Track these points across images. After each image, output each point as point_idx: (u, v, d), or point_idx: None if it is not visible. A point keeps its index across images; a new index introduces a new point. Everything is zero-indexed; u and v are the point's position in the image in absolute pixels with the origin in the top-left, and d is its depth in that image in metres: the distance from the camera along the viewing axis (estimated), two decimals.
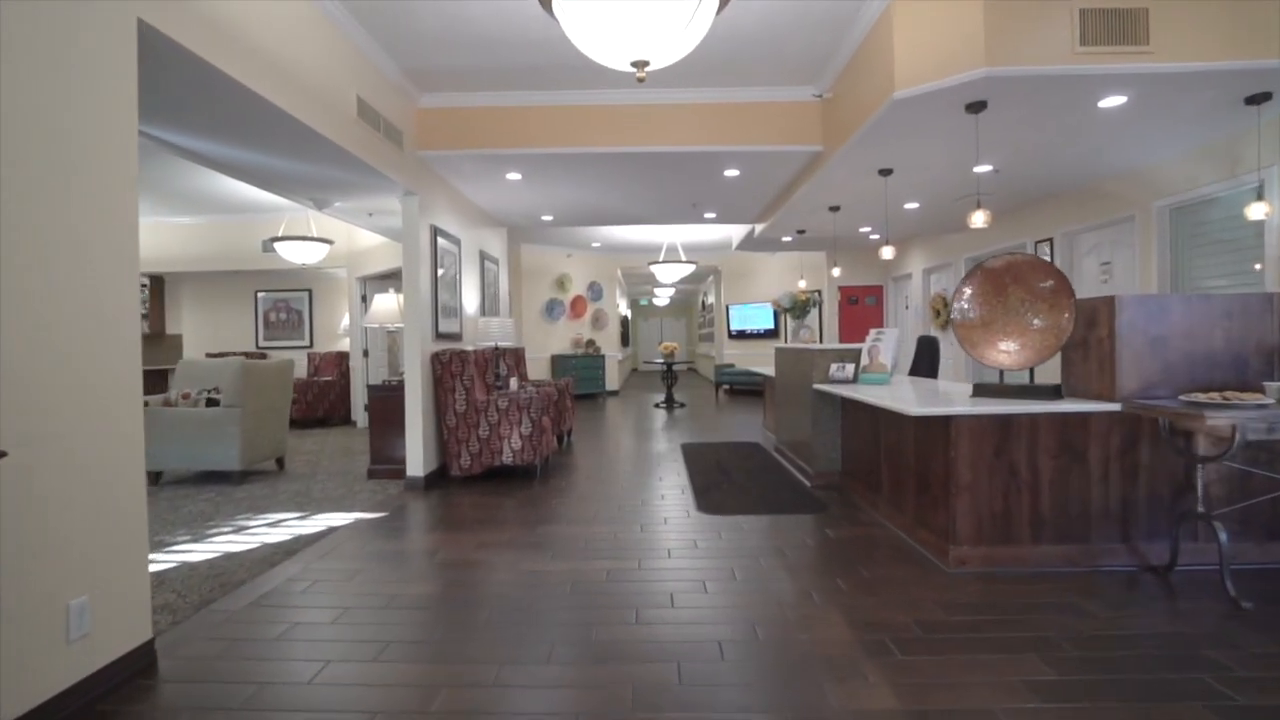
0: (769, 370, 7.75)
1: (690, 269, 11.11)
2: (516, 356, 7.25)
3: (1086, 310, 3.41)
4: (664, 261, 10.80)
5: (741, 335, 13.82)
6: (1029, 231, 7.04)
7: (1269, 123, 4.31)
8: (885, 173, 5.48)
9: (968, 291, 3.74)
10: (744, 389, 13.49)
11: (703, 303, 19.98)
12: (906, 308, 10.63)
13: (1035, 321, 3.53)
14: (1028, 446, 3.29)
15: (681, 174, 6.05)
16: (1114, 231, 5.91)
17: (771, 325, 13.23)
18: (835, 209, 6.76)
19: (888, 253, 6.69)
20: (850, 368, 4.91)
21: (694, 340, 22.86)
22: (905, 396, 3.80)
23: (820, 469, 5.08)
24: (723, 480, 5.27)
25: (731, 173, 5.94)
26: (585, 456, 6.52)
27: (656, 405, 11.37)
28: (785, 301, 6.30)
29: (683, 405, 11.29)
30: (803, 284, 6.35)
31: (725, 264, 13.94)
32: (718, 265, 14.09)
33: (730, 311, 13.95)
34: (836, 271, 8.42)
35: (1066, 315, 3.42)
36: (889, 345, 4.86)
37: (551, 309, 12.52)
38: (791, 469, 5.63)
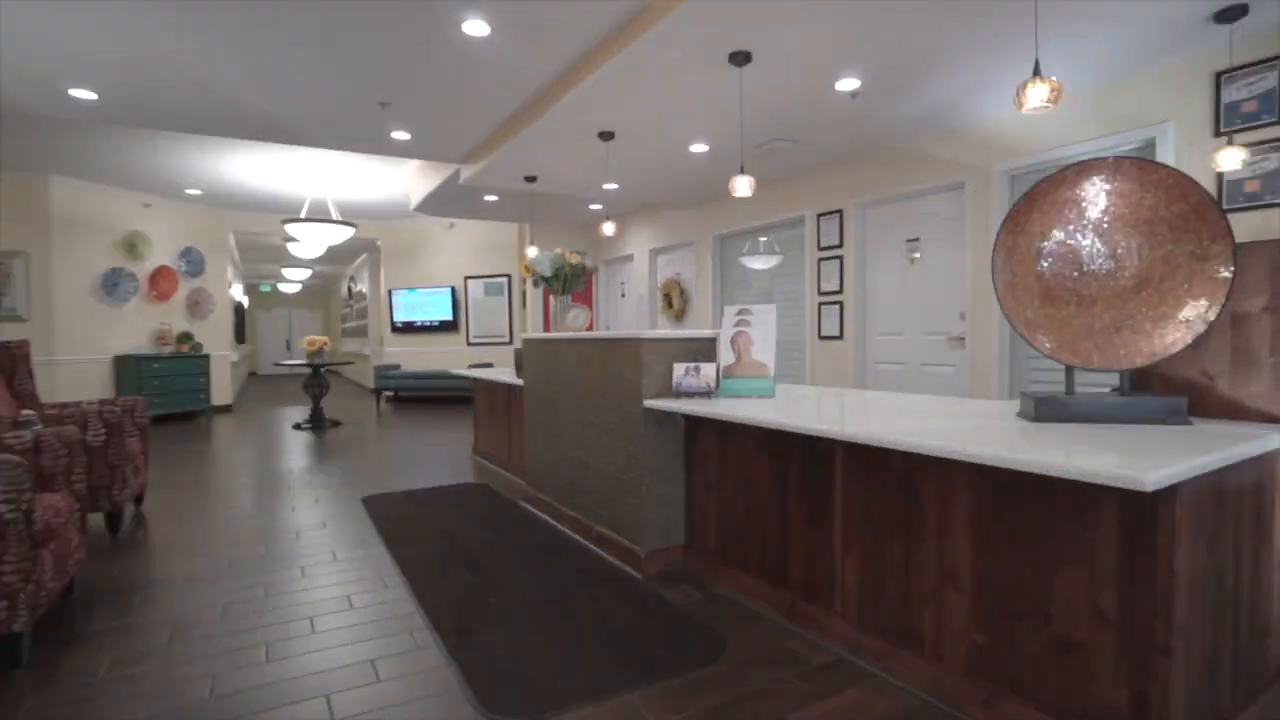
0: (491, 373, 5.28)
1: (347, 233, 7.88)
2: (12, 357, 3.54)
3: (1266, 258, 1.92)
4: (310, 219, 7.39)
5: (410, 328, 10.87)
6: (805, 200, 5.97)
7: (1172, 69, 3.60)
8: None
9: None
10: (415, 396, 10.59)
11: (349, 289, 16.07)
12: (623, 295, 9.16)
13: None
14: (1248, 524, 1.65)
15: (378, 29, 3.28)
16: (933, 201, 5.02)
17: (450, 315, 10.60)
18: (607, 137, 4.67)
19: (608, 229, 4.94)
20: (708, 372, 2.86)
21: (336, 336, 18.57)
22: (929, 428, 1.89)
23: (654, 544, 2.92)
24: (478, 588, 2.73)
25: (476, 28, 3.38)
26: (163, 558, 3.23)
27: (298, 426, 7.83)
28: (544, 266, 4.02)
29: (338, 424, 7.98)
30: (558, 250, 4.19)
31: (388, 238, 10.80)
32: (377, 239, 10.86)
33: (394, 299, 10.87)
34: (532, 251, 6.31)
35: (1220, 268, 1.88)
36: (765, 333, 2.95)
37: (114, 284, 7.83)
38: (583, 539, 3.35)
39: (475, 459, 5.59)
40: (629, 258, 8.81)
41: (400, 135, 5.10)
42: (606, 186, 6.31)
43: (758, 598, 2.55)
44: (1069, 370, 2.08)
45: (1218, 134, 3.44)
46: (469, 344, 10.61)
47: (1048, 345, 2.05)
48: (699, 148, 5.00)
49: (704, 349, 3.04)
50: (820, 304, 5.76)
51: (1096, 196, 1.96)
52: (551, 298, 4.19)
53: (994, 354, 4.42)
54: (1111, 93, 3.83)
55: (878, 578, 2.11)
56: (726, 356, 2.94)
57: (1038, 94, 2.17)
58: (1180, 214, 1.94)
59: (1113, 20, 3.16)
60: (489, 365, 10.07)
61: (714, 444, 2.82)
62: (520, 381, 4.30)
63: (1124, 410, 1.95)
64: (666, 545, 2.94)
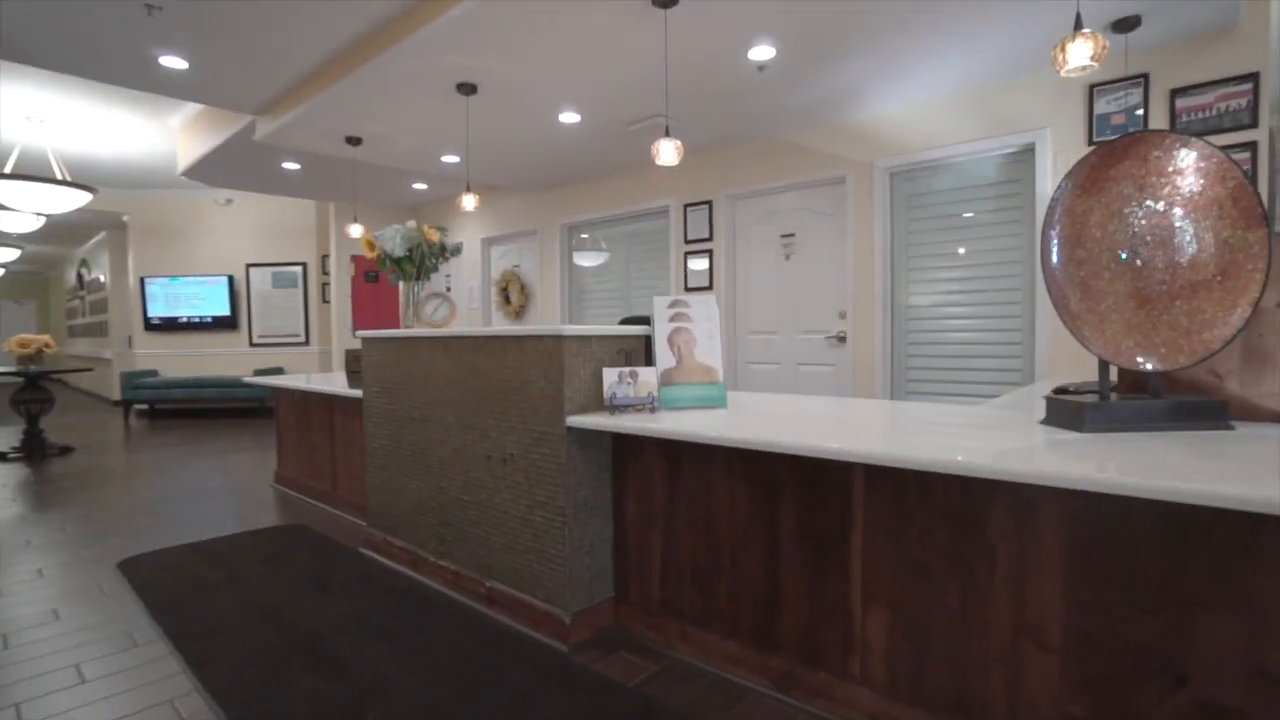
0: (304, 381, 4.16)
1: (79, 200, 5.98)
2: None
3: None
4: (22, 177, 5.43)
5: (171, 325, 8.78)
6: (671, 190, 5.59)
7: (1051, 77, 3.69)
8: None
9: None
10: (180, 409, 8.60)
11: (80, 276, 12.81)
12: (448, 289, 8.14)
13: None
14: None
15: None
16: (811, 196, 4.86)
17: (227, 310, 8.73)
18: (468, 90, 3.82)
19: (469, 203, 4.24)
20: (648, 379, 2.26)
21: (61, 335, 14.76)
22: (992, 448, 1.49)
23: (582, 603, 2.26)
24: (346, 703, 1.86)
25: None
26: None
27: (5, 455, 5.77)
28: (393, 243, 3.09)
29: (68, 450, 6.04)
30: (411, 224, 3.27)
31: (140, 211, 8.64)
32: (123, 213, 8.63)
33: (149, 289, 8.72)
34: (356, 230, 5.27)
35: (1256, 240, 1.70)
36: (709, 328, 2.43)
37: None
38: (468, 599, 2.56)
39: (279, 490, 4.39)
40: (456, 246, 7.82)
41: (174, 63, 3.79)
42: (446, 159, 5.39)
43: (732, 664, 2.01)
44: (1105, 371, 1.82)
45: (1090, 144, 3.59)
46: (253, 344, 8.81)
47: (1107, 340, 1.75)
48: (570, 117, 4.35)
49: (633, 349, 2.44)
50: None
51: (1185, 168, 1.70)
52: (401, 285, 3.28)
53: (877, 353, 4.36)
54: (994, 96, 3.89)
55: (919, 634, 1.67)
56: (664, 359, 2.37)
57: (1080, 52, 1.89)
58: (1217, 199, 1.76)
59: (1006, 24, 3.13)
60: (279, 370, 8.45)
61: (659, 469, 2.23)
62: (356, 392, 3.34)
63: (1168, 415, 1.72)
64: (593, 603, 2.29)
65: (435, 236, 3.20)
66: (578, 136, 4.75)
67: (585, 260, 6.45)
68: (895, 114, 4.26)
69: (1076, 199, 1.77)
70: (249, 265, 8.78)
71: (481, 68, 3.54)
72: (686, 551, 2.16)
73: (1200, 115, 3.31)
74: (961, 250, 4.11)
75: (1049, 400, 1.88)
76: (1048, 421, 1.85)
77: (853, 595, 1.79)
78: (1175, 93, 3.35)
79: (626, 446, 2.32)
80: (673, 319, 2.46)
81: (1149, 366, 1.73)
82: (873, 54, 3.45)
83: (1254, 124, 3.19)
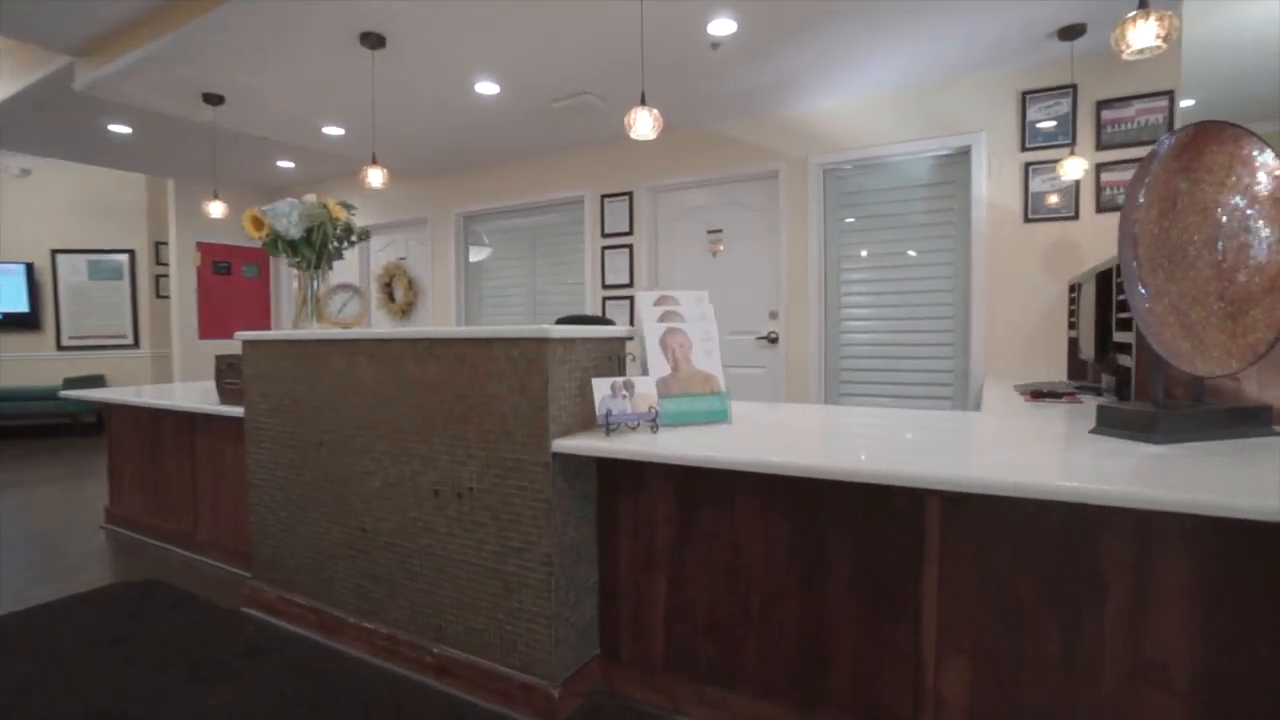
0: (154, 394, 3.32)
1: None
2: None
3: None
4: None
5: None
6: (588, 179, 5.19)
7: (987, 81, 3.70)
8: None
9: None
10: None
11: None
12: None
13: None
14: None
15: None
16: (740, 190, 4.64)
17: (25, 306, 7.15)
18: (375, 43, 3.19)
19: (375, 178, 3.64)
20: (645, 390, 1.88)
21: None
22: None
23: (569, 668, 1.83)
24: None
25: None
26: None
27: None
28: (289, 221, 2.44)
29: None
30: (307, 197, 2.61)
31: None
32: None
33: None
34: (217, 209, 4.42)
35: None
36: (706, 329, 2.09)
37: None
38: (407, 670, 2.03)
39: (114, 533, 3.49)
40: (364, 230, 6.90)
41: None
42: (329, 131, 4.62)
43: None
44: (1158, 373, 1.68)
45: (1023, 149, 3.65)
46: (62, 348, 7.27)
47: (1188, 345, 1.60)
48: (488, 88, 3.82)
49: (622, 355, 2.04)
50: (605, 299, 5.03)
51: (1265, 165, 1.57)
52: (296, 274, 2.63)
53: (811, 355, 4.23)
54: (931, 97, 3.87)
55: (1008, 684, 1.43)
56: (658, 366, 1.99)
57: (1145, 32, 1.74)
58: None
59: (949, 25, 3.10)
60: (99, 380, 7.07)
61: (664, 501, 1.85)
62: (233, 410, 2.64)
63: (1225, 422, 1.61)
64: (580, 665, 1.87)
65: (342, 215, 2.60)
66: (494, 111, 4.21)
67: (481, 254, 5.90)
68: (832, 109, 4.15)
69: (1174, 175, 1.59)
70: (55, 251, 7.24)
71: (395, 13, 2.96)
72: (702, 598, 1.80)
73: (1122, 127, 3.45)
74: (897, 250, 4.07)
75: (1102, 408, 1.72)
76: (1103, 430, 1.68)
77: (925, 642, 1.53)
78: (1101, 104, 3.47)
79: (618, 474, 1.92)
80: (662, 318, 2.09)
81: (1202, 371, 1.61)
82: (825, 39, 3.27)
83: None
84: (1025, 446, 1.53)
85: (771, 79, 3.76)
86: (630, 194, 4.88)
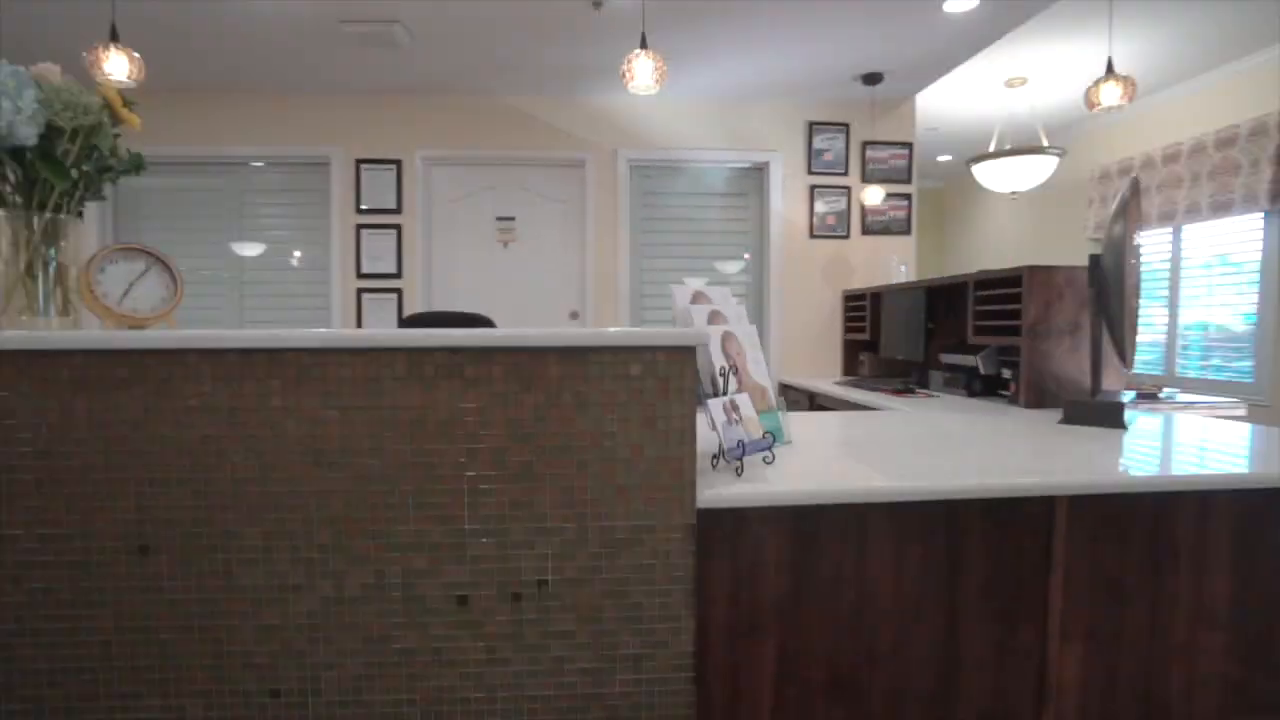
0: None
1: None
2: None
3: None
4: None
5: None
6: (339, 134, 4.06)
7: (782, 107, 3.99)
8: None
9: None
10: None
11: None
12: None
13: None
14: None
15: None
16: (538, 176, 4.15)
17: None
18: None
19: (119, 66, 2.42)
20: (748, 412, 1.52)
21: None
22: None
23: None
24: None
25: None
26: None
27: None
28: (17, 112, 1.20)
29: None
30: None
31: None
32: None
33: None
34: None
35: None
36: (747, 333, 1.80)
37: None
38: None
39: None
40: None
41: None
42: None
43: None
44: (1098, 374, 2.02)
45: (810, 173, 4.10)
46: None
47: None
48: None
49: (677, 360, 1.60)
50: (362, 290, 4.02)
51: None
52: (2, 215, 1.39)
53: None
54: (734, 113, 4.05)
55: (1110, 657, 1.54)
56: (738, 380, 1.63)
57: (1110, 93, 2.01)
58: None
59: (762, 58, 3.37)
60: None
61: (772, 549, 1.51)
62: None
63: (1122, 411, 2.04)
64: None
65: (132, 119, 1.49)
66: (255, 21, 2.95)
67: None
68: (643, 103, 4.03)
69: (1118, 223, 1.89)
70: None
71: None
72: (820, 656, 1.52)
73: (880, 166, 4.14)
74: (701, 255, 4.18)
75: (1071, 403, 1.99)
76: (1071, 421, 1.96)
77: (1050, 639, 1.55)
78: (866, 144, 4.11)
79: (711, 522, 1.50)
80: (710, 319, 1.71)
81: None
82: (657, 31, 3.15)
83: (909, 180, 4.16)
84: (1071, 445, 1.67)
85: (595, 55, 3.46)
86: (399, 163, 3.98)
